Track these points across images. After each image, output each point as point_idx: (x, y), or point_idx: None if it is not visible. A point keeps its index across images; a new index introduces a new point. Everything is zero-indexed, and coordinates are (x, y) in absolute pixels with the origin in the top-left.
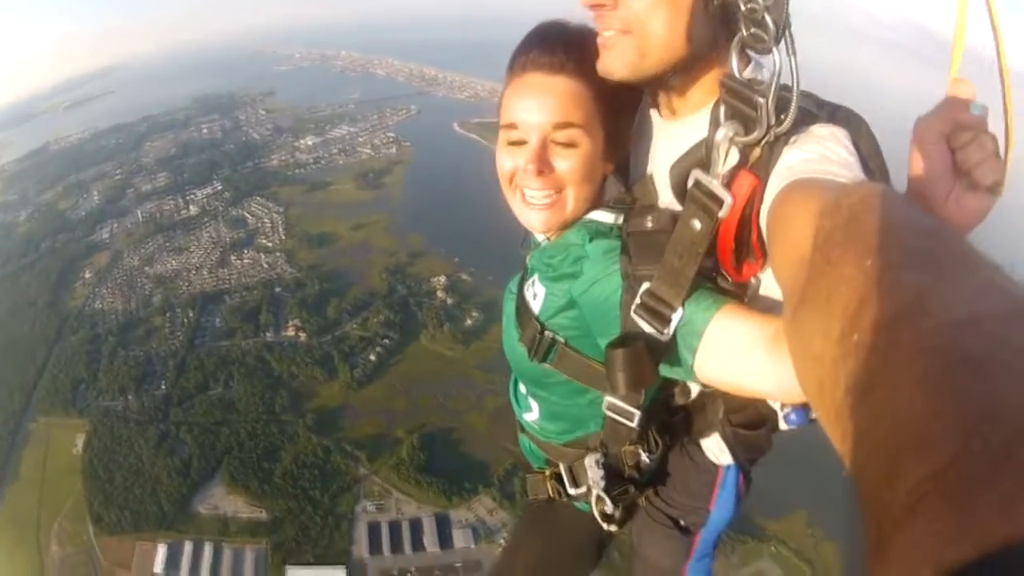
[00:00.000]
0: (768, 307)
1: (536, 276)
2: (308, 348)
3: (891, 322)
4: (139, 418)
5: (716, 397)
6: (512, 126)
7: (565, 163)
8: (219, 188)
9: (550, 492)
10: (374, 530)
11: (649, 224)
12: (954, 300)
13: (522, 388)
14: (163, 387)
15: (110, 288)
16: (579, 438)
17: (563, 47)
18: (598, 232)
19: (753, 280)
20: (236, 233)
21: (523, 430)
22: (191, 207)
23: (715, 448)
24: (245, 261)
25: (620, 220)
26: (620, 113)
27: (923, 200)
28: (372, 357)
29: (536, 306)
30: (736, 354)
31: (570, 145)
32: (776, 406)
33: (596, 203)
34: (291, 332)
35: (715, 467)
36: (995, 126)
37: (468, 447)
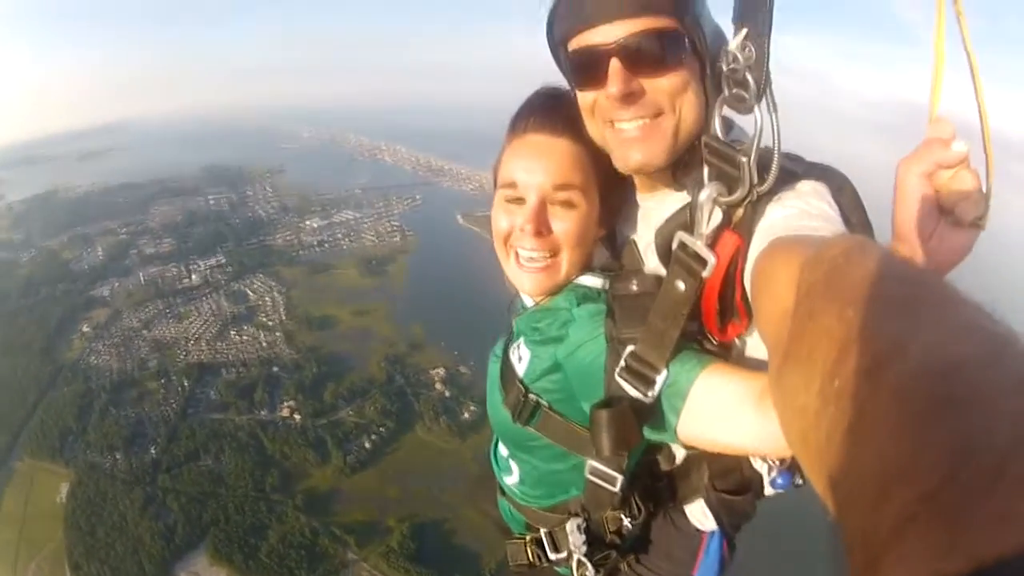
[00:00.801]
0: (753, 367)
1: (522, 340)
2: (302, 430)
3: (872, 368)
4: (126, 478)
5: (701, 462)
6: (512, 185)
7: (562, 224)
8: (223, 261)
9: (530, 558)
10: None
11: (634, 287)
12: (935, 344)
13: (503, 451)
14: (152, 452)
15: (106, 345)
16: (560, 502)
17: (565, 111)
18: (586, 296)
19: (737, 341)
20: (237, 308)
21: (503, 493)
22: (193, 276)
23: (699, 514)
24: (244, 337)
25: (606, 284)
26: (614, 179)
27: (909, 240)
28: (367, 444)
29: (521, 369)
30: (721, 413)
31: (568, 206)
32: (763, 470)
33: (586, 268)
34: (286, 412)
35: (699, 533)
36: (977, 163)
37: (460, 538)
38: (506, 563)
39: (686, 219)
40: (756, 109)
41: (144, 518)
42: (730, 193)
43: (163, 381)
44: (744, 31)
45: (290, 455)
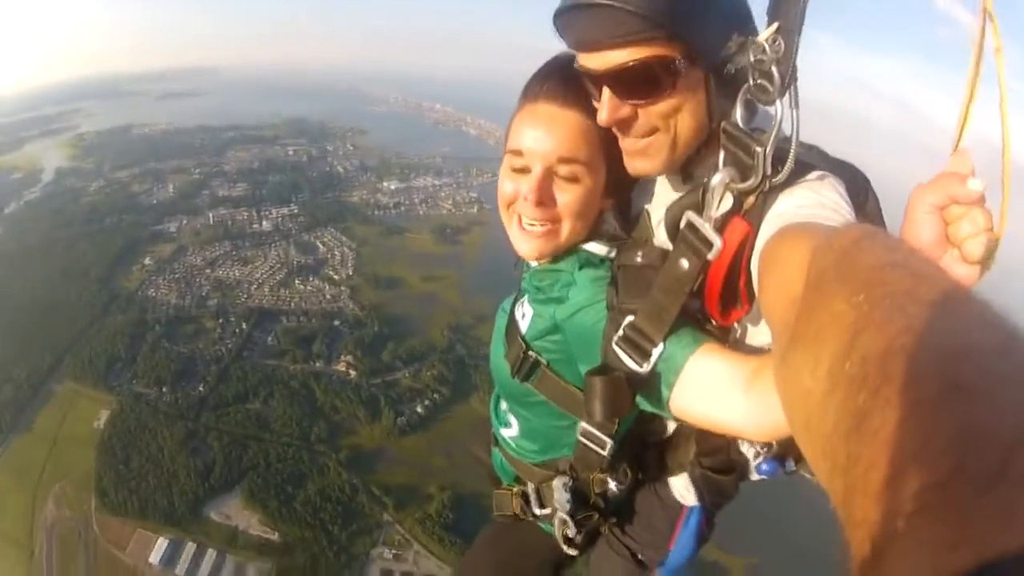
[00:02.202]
0: (748, 353)
1: (526, 297)
2: (356, 386)
3: (883, 354)
4: (170, 411)
5: (690, 437)
6: (518, 152)
7: (565, 196)
8: (296, 211)
9: (515, 510)
10: None
11: (639, 259)
12: (945, 332)
13: (503, 404)
14: (201, 389)
15: (167, 280)
16: (552, 459)
17: (578, 82)
18: (588, 262)
19: (736, 325)
20: (305, 258)
21: (497, 444)
22: (264, 222)
23: (682, 487)
24: (309, 287)
25: (612, 253)
26: None
27: None
28: (419, 409)
29: (523, 326)
30: (713, 391)
31: (572, 180)
32: (749, 455)
33: (592, 234)
34: (342, 367)
35: (680, 506)
36: (993, 203)
37: None
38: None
39: (697, 200)
40: (778, 102)
41: (182, 454)
42: (743, 180)
43: (221, 321)
44: (776, 25)
45: (340, 409)
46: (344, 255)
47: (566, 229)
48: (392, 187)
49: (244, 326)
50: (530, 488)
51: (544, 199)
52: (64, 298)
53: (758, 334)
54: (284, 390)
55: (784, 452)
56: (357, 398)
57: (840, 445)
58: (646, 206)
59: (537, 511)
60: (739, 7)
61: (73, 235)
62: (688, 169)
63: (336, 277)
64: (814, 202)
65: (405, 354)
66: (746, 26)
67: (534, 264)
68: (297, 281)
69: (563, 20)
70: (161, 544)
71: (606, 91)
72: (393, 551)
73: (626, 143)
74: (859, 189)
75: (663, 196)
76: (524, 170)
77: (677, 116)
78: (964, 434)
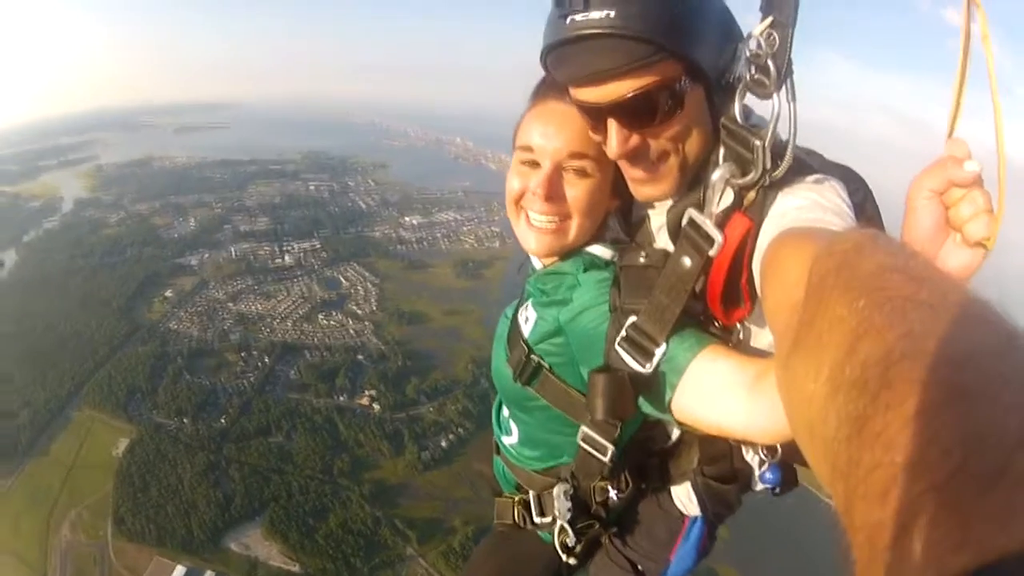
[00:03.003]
0: (751, 354)
1: (530, 301)
2: (380, 420)
3: (884, 358)
4: (191, 442)
5: (693, 444)
6: (528, 148)
7: (574, 192)
8: (318, 246)
9: (515, 518)
10: None
11: (642, 259)
12: (947, 336)
13: (505, 411)
14: (222, 421)
15: (189, 313)
16: (552, 467)
17: None
18: (593, 264)
19: (739, 326)
20: (328, 293)
21: (499, 452)
22: (287, 257)
23: (684, 497)
24: (332, 322)
25: (615, 256)
26: None
27: None
28: (443, 443)
29: (526, 330)
30: (716, 393)
31: (582, 175)
32: (754, 463)
33: (596, 237)
34: (365, 401)
35: (681, 517)
36: (991, 186)
37: None
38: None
39: (698, 199)
40: (775, 96)
41: (202, 484)
42: (743, 175)
43: (243, 355)
44: (770, 19)
45: (364, 443)
46: (367, 290)
47: (575, 225)
48: (414, 222)
49: (267, 360)
50: (531, 496)
51: (553, 194)
52: (84, 327)
53: (761, 335)
54: (307, 424)
55: (788, 459)
56: (380, 432)
57: (841, 449)
58: (647, 211)
59: (537, 519)
60: (724, 14)
61: (93, 265)
62: (692, 186)
63: (359, 312)
64: (813, 203)
65: (429, 388)
66: (734, 32)
67: (538, 267)
68: (320, 316)
69: (557, 55)
70: (179, 572)
71: (612, 124)
72: None
73: (634, 172)
74: (857, 192)
75: (662, 204)
76: (534, 164)
77: (686, 138)
78: (965, 436)
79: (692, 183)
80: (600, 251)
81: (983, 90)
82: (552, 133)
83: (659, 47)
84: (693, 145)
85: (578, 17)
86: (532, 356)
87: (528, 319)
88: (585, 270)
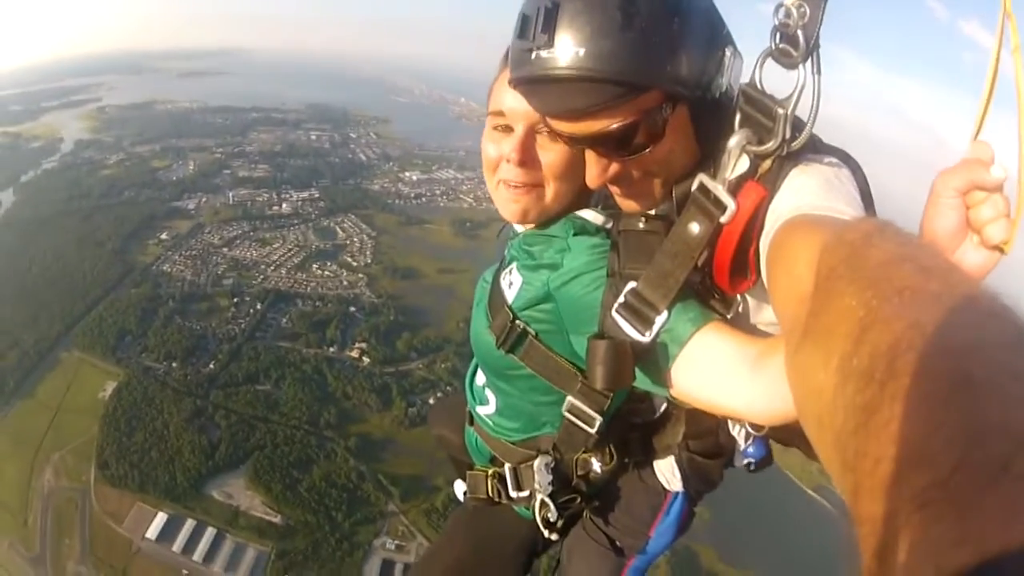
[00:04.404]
0: (750, 330)
1: (514, 265)
2: (369, 374)
3: (891, 349)
4: (178, 387)
5: (679, 419)
6: (500, 113)
7: (549, 155)
8: (316, 196)
9: (489, 492)
10: (387, 568)
11: (641, 225)
12: (955, 328)
13: (479, 380)
14: (211, 366)
15: (183, 256)
16: (532, 438)
17: None
18: (584, 228)
19: (739, 298)
20: (323, 243)
21: (472, 423)
22: (284, 205)
23: (667, 472)
24: (326, 272)
25: (607, 222)
26: None
27: None
28: (431, 400)
29: (511, 295)
30: (717, 371)
31: (555, 137)
32: (739, 437)
33: (580, 201)
34: (355, 354)
35: (663, 492)
36: (1011, 192)
37: None
38: (458, 497)
39: (709, 167)
40: (800, 67)
41: (188, 430)
42: (760, 144)
43: (235, 300)
44: None
45: (351, 396)
46: (363, 242)
47: (551, 191)
48: (414, 178)
49: (259, 307)
50: (507, 469)
51: (527, 159)
52: (77, 268)
53: (761, 310)
54: (296, 373)
55: (773, 436)
56: (369, 386)
57: (849, 441)
58: None
59: (514, 494)
60: (706, 21)
61: (90, 207)
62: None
63: (354, 264)
64: (827, 185)
65: (420, 345)
66: (718, 37)
67: (521, 229)
68: (315, 265)
69: (526, 88)
70: (160, 519)
71: (590, 155)
72: (396, 542)
73: (615, 190)
74: (856, 172)
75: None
76: (507, 129)
77: (669, 159)
78: (970, 429)
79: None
80: (590, 216)
81: (1006, 98)
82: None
83: (633, 86)
84: (677, 163)
85: (544, 54)
86: (517, 322)
87: (512, 284)
88: (575, 234)
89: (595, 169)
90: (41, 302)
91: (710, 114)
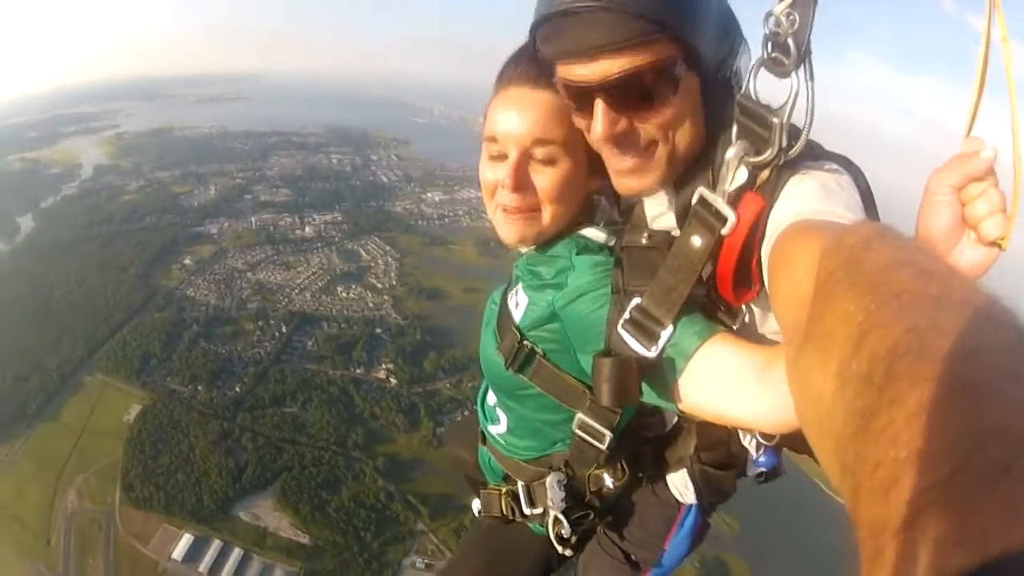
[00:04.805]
0: (755, 340)
1: (520, 285)
2: (396, 394)
3: (890, 353)
4: (204, 410)
5: (690, 431)
6: (493, 139)
7: (543, 179)
8: (339, 218)
9: (503, 510)
10: None
11: (644, 240)
12: (953, 331)
13: (491, 400)
14: (237, 389)
15: (207, 280)
16: (544, 455)
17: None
18: (586, 247)
19: (744, 308)
20: (348, 265)
21: (484, 442)
22: (307, 228)
23: (680, 485)
24: (351, 294)
25: (609, 240)
26: None
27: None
28: (459, 420)
29: (518, 315)
30: (724, 382)
31: (549, 162)
32: (751, 447)
33: (580, 220)
34: (382, 375)
35: (677, 505)
36: (1005, 184)
37: None
38: (475, 516)
39: (708, 180)
40: (793, 75)
41: (215, 453)
42: (757, 154)
43: (260, 323)
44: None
45: (379, 416)
46: (387, 264)
47: (547, 214)
48: (436, 198)
49: (284, 329)
50: (520, 487)
51: (522, 184)
52: (100, 293)
53: (767, 320)
54: (323, 395)
55: (784, 444)
56: (396, 406)
57: (848, 445)
58: (640, 199)
59: (527, 511)
60: (727, 11)
61: (111, 232)
62: (678, 183)
63: (379, 285)
64: (825, 190)
65: (447, 364)
66: (733, 28)
67: (525, 250)
68: (339, 288)
69: (549, 27)
70: (186, 540)
71: (599, 104)
72: (426, 560)
73: (617, 162)
74: (858, 178)
75: (657, 197)
76: (501, 156)
77: (677, 127)
78: (969, 432)
79: (697, 174)
80: (593, 234)
81: (1002, 93)
82: (514, 119)
83: (658, 26)
84: (684, 136)
85: None
86: (525, 342)
87: (519, 304)
88: (578, 253)
89: (603, 120)
90: (64, 326)
91: (717, 97)
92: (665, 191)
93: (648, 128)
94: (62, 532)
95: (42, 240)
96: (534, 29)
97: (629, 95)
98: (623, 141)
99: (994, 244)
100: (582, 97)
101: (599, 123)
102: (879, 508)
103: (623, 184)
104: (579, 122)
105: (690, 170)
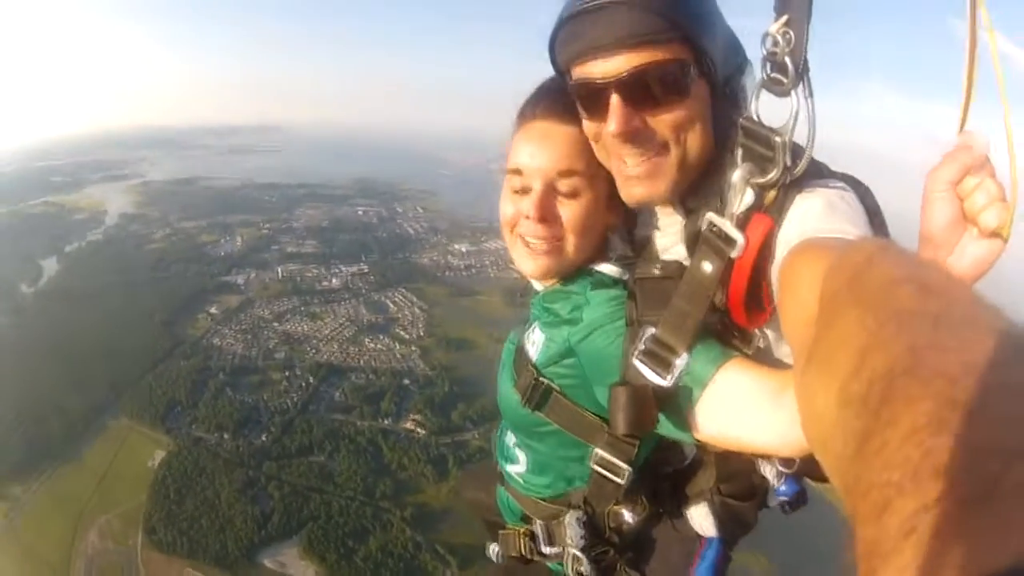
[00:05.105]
0: (770, 363)
1: (536, 323)
2: (424, 445)
3: (887, 374)
4: (230, 458)
5: (709, 463)
6: (517, 171)
7: (567, 211)
8: (365, 270)
9: (522, 550)
10: None
11: (656, 271)
12: (949, 349)
13: (509, 439)
14: (264, 438)
15: (233, 330)
16: (563, 493)
17: (572, 99)
18: (600, 282)
19: (758, 332)
20: (375, 317)
21: (503, 482)
22: (334, 280)
23: (701, 518)
24: (378, 346)
25: (623, 274)
26: None
27: (934, 250)
28: (475, 465)
29: (534, 353)
30: (740, 407)
31: (573, 195)
32: (771, 476)
33: (597, 255)
34: (410, 425)
35: (697, 538)
36: (1003, 178)
37: None
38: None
39: (716, 204)
40: (793, 93)
41: (240, 500)
42: (763, 175)
43: (287, 374)
44: (785, 17)
45: (407, 467)
46: (415, 315)
47: (571, 245)
48: (463, 249)
49: (311, 380)
50: (538, 526)
51: (547, 216)
52: (126, 340)
53: (781, 344)
54: (350, 445)
55: (803, 472)
56: (425, 457)
57: (848, 466)
58: (653, 231)
59: (546, 550)
60: (733, 34)
61: (137, 279)
62: (689, 203)
63: (406, 336)
64: (831, 207)
65: (475, 415)
66: (741, 53)
67: (541, 288)
68: (367, 339)
69: (571, 27)
70: None
71: (615, 99)
72: None
73: (627, 167)
74: (866, 197)
75: (668, 223)
76: (524, 189)
77: (688, 130)
78: (958, 451)
79: (686, 208)
80: (607, 269)
81: (995, 93)
82: (538, 152)
83: (675, 24)
84: (694, 141)
85: None
86: (541, 379)
87: (535, 342)
88: (592, 288)
89: (619, 114)
90: (87, 370)
91: (724, 110)
92: (674, 207)
93: (661, 128)
94: (82, 572)
95: (66, 284)
96: (553, 38)
97: (644, 91)
98: (636, 139)
99: (995, 234)
100: (598, 95)
101: (614, 118)
102: (873, 530)
103: (633, 190)
104: (591, 127)
105: (698, 191)
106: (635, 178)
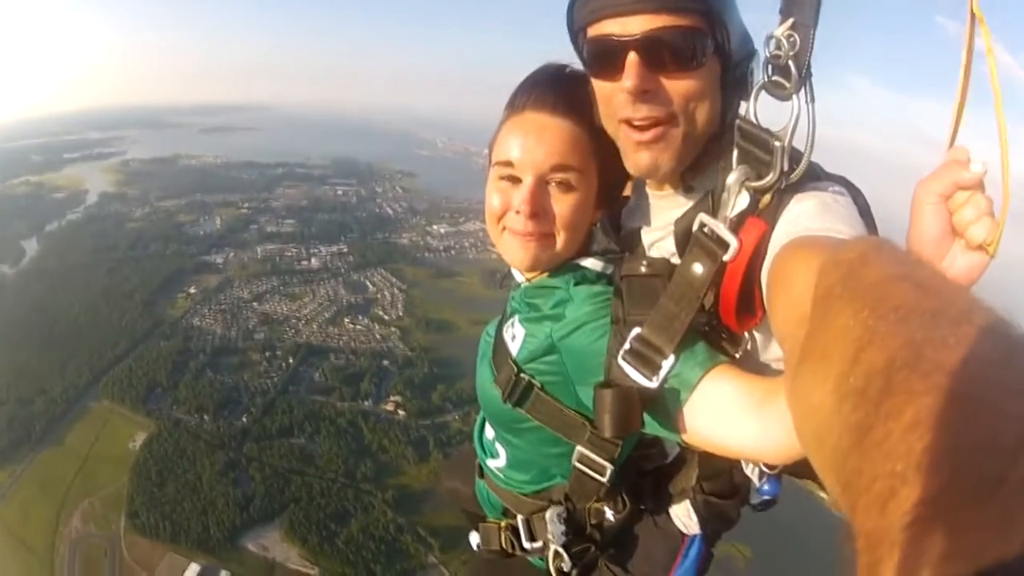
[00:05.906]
0: (758, 368)
1: (516, 317)
2: (405, 427)
3: (886, 367)
4: (211, 440)
5: (691, 461)
6: (508, 163)
7: (559, 206)
8: (345, 250)
9: (502, 544)
10: None
11: (643, 269)
12: (949, 345)
13: (489, 434)
14: (244, 420)
15: (213, 310)
16: (544, 489)
17: (566, 89)
18: (584, 278)
19: (747, 336)
20: (354, 297)
21: (482, 476)
22: (313, 260)
23: (683, 515)
24: (358, 326)
25: (607, 269)
26: (616, 162)
27: None
28: (455, 453)
29: (514, 348)
30: (727, 414)
31: (566, 188)
32: (753, 476)
33: (583, 250)
34: (390, 407)
35: (680, 535)
36: (993, 192)
37: None
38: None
39: (709, 206)
40: (794, 97)
41: (221, 483)
42: (759, 178)
43: (267, 355)
44: (791, 20)
45: (388, 449)
46: (394, 296)
47: (562, 239)
48: (442, 230)
49: (291, 361)
50: (519, 521)
51: (538, 210)
52: (105, 320)
53: (770, 346)
54: (331, 427)
55: (787, 472)
56: (405, 439)
57: (846, 459)
58: (638, 226)
59: (527, 545)
60: (743, 24)
61: (116, 259)
62: (688, 180)
63: (386, 317)
64: (824, 208)
65: (455, 396)
66: (751, 43)
67: (520, 280)
68: (346, 319)
69: None
70: (192, 569)
71: (632, 57)
72: None
73: (635, 134)
74: (858, 198)
75: (656, 217)
76: (514, 181)
77: (697, 103)
78: (962, 445)
79: (686, 186)
80: (591, 264)
81: (987, 103)
82: (532, 145)
83: (697, 1)
84: (701, 115)
85: None
86: (521, 375)
87: (515, 337)
88: (576, 284)
89: (636, 72)
90: (68, 351)
91: (732, 93)
92: (673, 186)
93: (672, 95)
94: (66, 556)
95: (47, 264)
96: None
97: (661, 54)
98: (648, 99)
99: (981, 249)
100: (615, 53)
101: (631, 74)
102: (877, 520)
103: (639, 159)
104: (604, 88)
105: (697, 169)
106: (643, 144)
